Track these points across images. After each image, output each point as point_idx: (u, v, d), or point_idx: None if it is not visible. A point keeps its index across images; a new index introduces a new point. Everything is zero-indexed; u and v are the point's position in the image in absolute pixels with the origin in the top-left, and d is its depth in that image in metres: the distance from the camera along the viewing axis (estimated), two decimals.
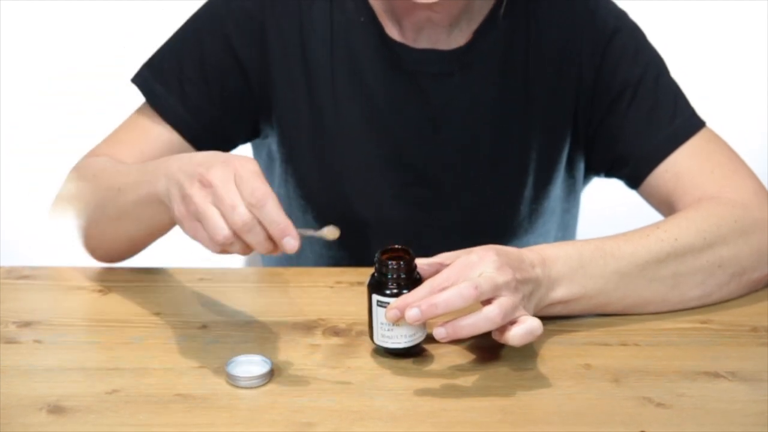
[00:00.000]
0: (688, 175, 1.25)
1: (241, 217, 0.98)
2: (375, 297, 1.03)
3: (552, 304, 1.09)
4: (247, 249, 1.01)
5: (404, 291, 1.02)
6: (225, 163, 1.01)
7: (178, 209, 1.03)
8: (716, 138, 1.29)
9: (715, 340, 1.11)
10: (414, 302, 0.99)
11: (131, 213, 1.17)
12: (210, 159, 1.02)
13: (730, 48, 2.60)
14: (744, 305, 1.17)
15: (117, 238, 1.24)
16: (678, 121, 1.28)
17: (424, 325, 1.04)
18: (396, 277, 1.03)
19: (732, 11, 2.58)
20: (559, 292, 1.09)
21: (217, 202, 0.99)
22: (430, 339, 1.06)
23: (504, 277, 1.01)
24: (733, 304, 1.18)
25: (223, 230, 0.99)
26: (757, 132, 2.55)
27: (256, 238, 0.99)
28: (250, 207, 0.98)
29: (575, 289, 1.10)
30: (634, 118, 1.29)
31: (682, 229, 1.15)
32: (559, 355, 1.07)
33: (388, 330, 1.04)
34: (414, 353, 1.06)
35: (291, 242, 0.99)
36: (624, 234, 1.15)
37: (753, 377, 1.03)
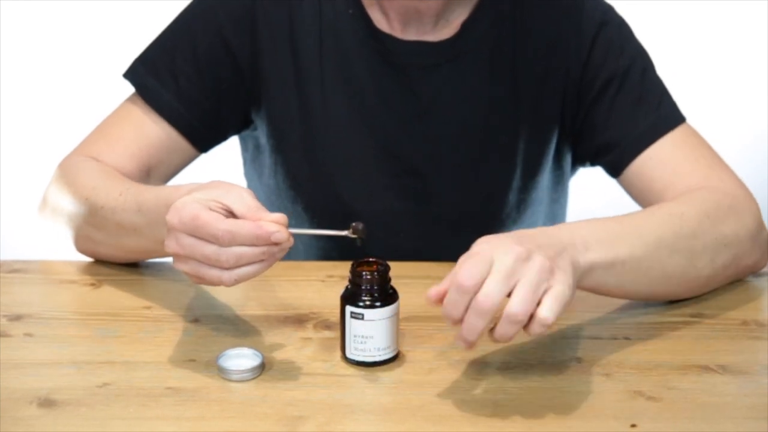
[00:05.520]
0: (674, 162, 1.26)
1: (227, 256, 0.98)
2: (349, 309, 1.02)
3: (592, 269, 1.04)
4: (261, 264, 1.00)
5: (377, 303, 1.01)
6: (169, 228, 1.01)
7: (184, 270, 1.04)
8: (696, 133, 1.30)
9: (705, 333, 1.11)
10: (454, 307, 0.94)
11: (151, 252, 1.20)
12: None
13: (731, 48, 2.60)
14: (734, 299, 1.18)
15: (122, 256, 1.25)
16: (663, 112, 1.29)
17: (396, 341, 1.03)
18: (369, 288, 1.01)
19: (732, 11, 2.58)
20: (594, 254, 1.04)
21: (199, 267, 1.00)
22: (420, 335, 1.06)
23: (522, 265, 0.95)
24: (723, 298, 1.18)
25: (226, 278, 1.00)
26: (757, 131, 2.56)
27: (253, 253, 0.98)
28: (226, 247, 0.98)
29: (607, 252, 1.05)
30: (620, 107, 1.29)
31: (685, 210, 1.15)
32: (551, 348, 1.07)
33: (361, 343, 1.02)
34: (385, 366, 1.04)
35: (278, 236, 0.98)
36: (629, 213, 1.14)
37: (743, 371, 1.04)
